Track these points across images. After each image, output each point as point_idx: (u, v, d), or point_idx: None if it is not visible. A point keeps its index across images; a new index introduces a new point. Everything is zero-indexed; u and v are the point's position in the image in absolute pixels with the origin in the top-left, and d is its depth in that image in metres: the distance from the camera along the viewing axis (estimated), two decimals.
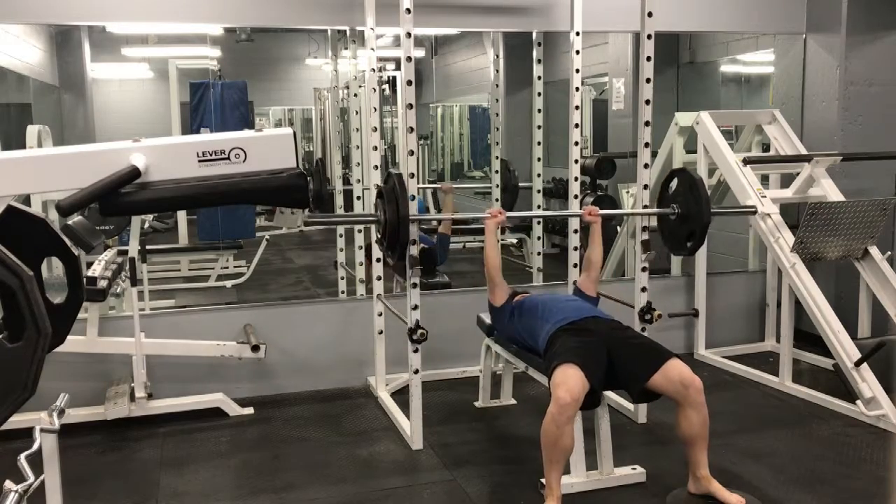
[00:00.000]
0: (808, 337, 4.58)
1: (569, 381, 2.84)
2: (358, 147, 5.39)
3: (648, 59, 3.73)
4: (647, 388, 2.99)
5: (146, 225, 5.75)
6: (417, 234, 3.50)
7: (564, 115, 4.37)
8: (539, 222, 5.25)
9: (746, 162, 4.47)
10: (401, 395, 4.12)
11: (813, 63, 5.00)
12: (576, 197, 4.35)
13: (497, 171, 5.47)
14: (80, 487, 3.23)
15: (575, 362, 2.89)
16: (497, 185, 5.52)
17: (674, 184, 3.75)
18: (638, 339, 3.25)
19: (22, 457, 1.82)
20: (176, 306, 5.28)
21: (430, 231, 5.89)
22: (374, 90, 4.13)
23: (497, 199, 5.49)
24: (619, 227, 6.03)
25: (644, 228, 3.84)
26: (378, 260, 4.11)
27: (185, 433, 3.88)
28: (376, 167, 4.05)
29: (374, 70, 4.12)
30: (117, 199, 1.69)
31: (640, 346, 3.13)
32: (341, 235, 5.24)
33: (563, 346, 3.06)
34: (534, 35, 5.01)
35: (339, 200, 5.37)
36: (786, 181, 4.72)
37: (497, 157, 5.50)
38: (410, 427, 3.63)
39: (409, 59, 3.43)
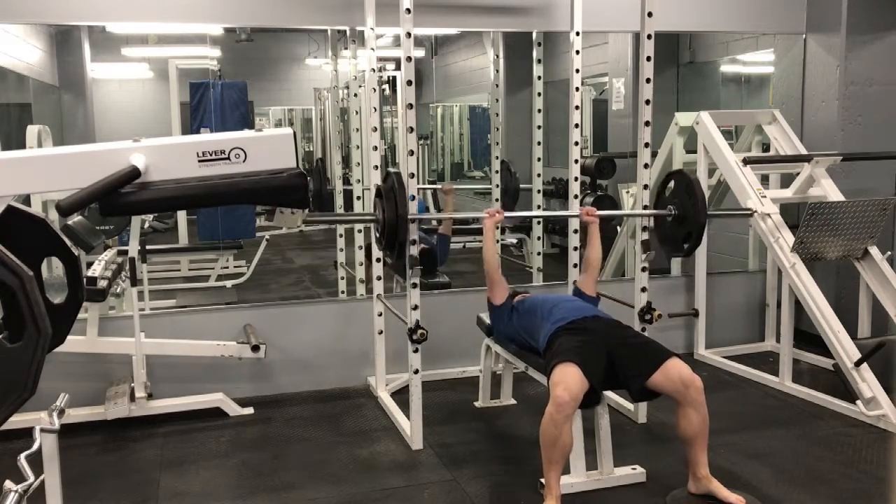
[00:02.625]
0: (808, 337, 4.58)
1: (567, 379, 2.84)
2: (358, 147, 5.39)
3: (648, 59, 3.73)
4: (646, 387, 3.00)
5: (146, 225, 5.75)
6: (418, 233, 3.51)
7: (564, 115, 4.37)
8: (539, 222, 5.25)
9: (746, 162, 4.47)
10: (401, 395, 4.11)
11: (813, 63, 5.00)
12: (576, 197, 4.35)
13: (497, 172, 5.47)
14: (80, 487, 3.23)
15: (574, 361, 2.89)
16: (497, 186, 5.52)
17: (671, 186, 3.75)
18: (638, 338, 3.25)
19: (22, 457, 1.82)
20: (176, 306, 5.28)
21: (429, 231, 5.90)
22: (374, 90, 4.13)
23: (497, 200, 5.48)
24: (618, 227, 6.03)
25: (644, 228, 3.84)
26: (378, 260, 4.11)
27: (185, 433, 3.88)
28: (376, 167, 4.05)
29: (374, 70, 4.12)
30: (117, 199, 1.68)
31: (640, 344, 3.13)
32: (341, 235, 5.24)
33: (562, 345, 3.06)
34: (534, 35, 5.01)
35: (339, 201, 5.37)
36: (786, 181, 4.72)
37: (497, 157, 5.50)
38: (410, 427, 3.63)
39: (409, 59, 3.43)
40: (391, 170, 3.44)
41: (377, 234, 3.63)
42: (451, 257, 5.82)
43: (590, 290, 3.64)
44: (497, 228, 3.69)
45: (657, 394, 3.03)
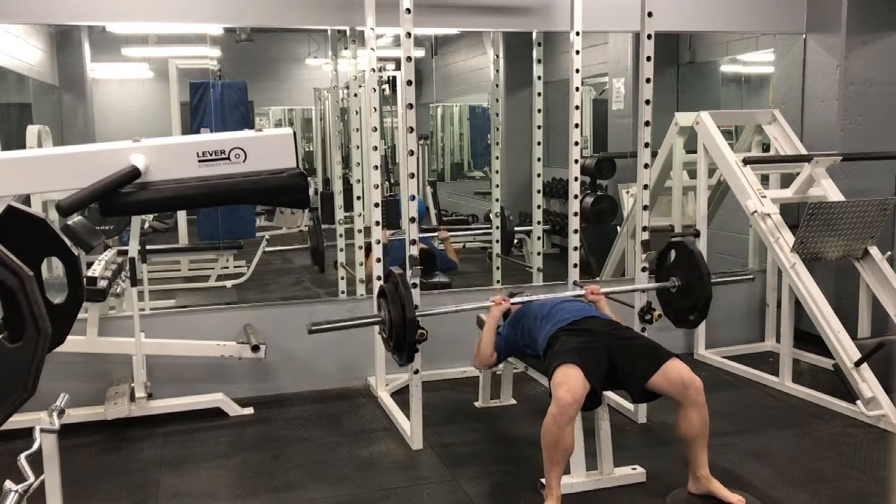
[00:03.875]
0: (808, 337, 4.57)
1: (570, 381, 2.84)
2: (358, 147, 5.39)
3: (648, 59, 3.72)
4: (647, 388, 2.99)
5: (146, 225, 5.75)
6: (417, 234, 3.51)
7: (564, 115, 4.37)
8: (539, 222, 5.25)
9: (746, 162, 4.47)
10: (401, 395, 4.12)
11: (813, 63, 5.00)
12: (576, 197, 4.35)
13: (496, 169, 5.49)
14: (80, 487, 3.23)
15: (575, 363, 2.89)
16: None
17: (671, 255, 3.70)
18: (638, 339, 3.24)
19: (22, 457, 1.82)
20: (176, 306, 5.28)
21: (429, 230, 5.91)
22: (374, 90, 4.12)
23: (498, 241, 5.49)
24: (619, 228, 6.03)
25: (644, 228, 3.84)
26: (378, 260, 4.11)
27: (185, 433, 3.88)
28: (376, 167, 4.05)
29: (374, 70, 4.12)
30: (117, 199, 1.69)
31: (640, 346, 3.13)
32: (341, 235, 5.24)
33: (563, 346, 3.05)
34: (534, 35, 5.00)
35: (339, 201, 5.37)
36: (786, 181, 4.72)
37: (497, 157, 5.50)
38: (410, 427, 3.63)
39: (409, 59, 3.43)
40: (394, 269, 3.32)
41: (384, 335, 3.47)
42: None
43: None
44: (501, 315, 3.58)
45: (658, 395, 3.03)
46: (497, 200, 5.50)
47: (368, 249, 4.34)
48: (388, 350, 3.49)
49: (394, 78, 6.86)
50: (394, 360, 3.46)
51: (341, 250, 5.22)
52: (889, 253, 4.36)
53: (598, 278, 3.69)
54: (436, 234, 6.09)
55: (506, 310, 3.58)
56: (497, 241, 5.54)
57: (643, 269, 3.85)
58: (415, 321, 3.21)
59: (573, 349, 3.00)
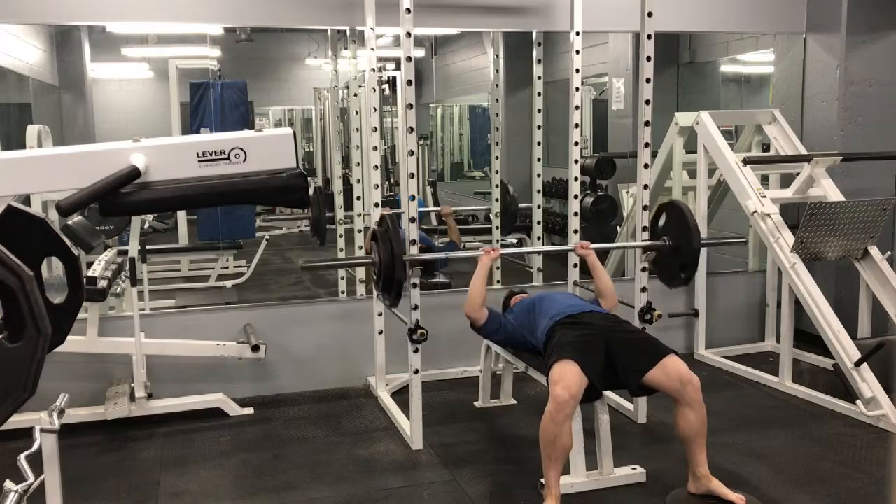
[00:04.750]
0: (808, 337, 4.58)
1: (566, 377, 2.84)
2: (358, 147, 5.39)
3: (648, 59, 3.73)
4: (643, 383, 2.99)
5: (146, 225, 5.76)
6: (418, 233, 3.51)
7: (564, 115, 4.38)
8: (539, 222, 5.25)
9: (746, 162, 4.47)
10: (401, 395, 4.11)
11: (813, 63, 5.00)
12: (575, 197, 4.36)
13: (497, 172, 5.48)
14: (80, 487, 3.23)
15: (572, 358, 2.89)
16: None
17: (663, 219, 3.75)
18: (636, 332, 3.26)
19: (22, 457, 1.82)
20: (176, 306, 5.28)
21: (431, 232, 5.91)
22: (374, 90, 4.13)
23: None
24: (618, 228, 6.03)
25: (644, 228, 3.84)
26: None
27: (185, 433, 3.87)
28: (376, 167, 4.05)
29: (374, 70, 4.12)
30: (117, 199, 1.68)
31: (639, 339, 3.14)
32: (341, 235, 5.24)
33: (560, 339, 3.06)
34: (534, 35, 5.01)
35: (338, 201, 5.37)
36: (786, 181, 4.72)
37: (497, 157, 5.50)
38: (410, 427, 3.63)
39: (409, 59, 3.43)
40: (385, 213, 3.50)
41: (374, 277, 3.61)
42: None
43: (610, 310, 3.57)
44: (492, 265, 3.67)
45: (654, 390, 3.03)
46: (497, 200, 5.50)
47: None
48: (377, 291, 3.63)
49: (394, 78, 6.86)
50: (384, 303, 3.57)
51: (341, 250, 5.22)
52: (889, 253, 4.35)
53: (617, 304, 3.72)
54: (438, 208, 6.06)
55: (496, 259, 3.67)
56: (497, 241, 5.54)
57: (643, 269, 3.86)
58: (403, 258, 3.36)
59: (570, 343, 3.00)
